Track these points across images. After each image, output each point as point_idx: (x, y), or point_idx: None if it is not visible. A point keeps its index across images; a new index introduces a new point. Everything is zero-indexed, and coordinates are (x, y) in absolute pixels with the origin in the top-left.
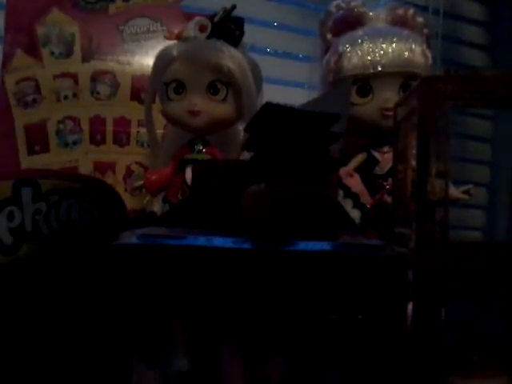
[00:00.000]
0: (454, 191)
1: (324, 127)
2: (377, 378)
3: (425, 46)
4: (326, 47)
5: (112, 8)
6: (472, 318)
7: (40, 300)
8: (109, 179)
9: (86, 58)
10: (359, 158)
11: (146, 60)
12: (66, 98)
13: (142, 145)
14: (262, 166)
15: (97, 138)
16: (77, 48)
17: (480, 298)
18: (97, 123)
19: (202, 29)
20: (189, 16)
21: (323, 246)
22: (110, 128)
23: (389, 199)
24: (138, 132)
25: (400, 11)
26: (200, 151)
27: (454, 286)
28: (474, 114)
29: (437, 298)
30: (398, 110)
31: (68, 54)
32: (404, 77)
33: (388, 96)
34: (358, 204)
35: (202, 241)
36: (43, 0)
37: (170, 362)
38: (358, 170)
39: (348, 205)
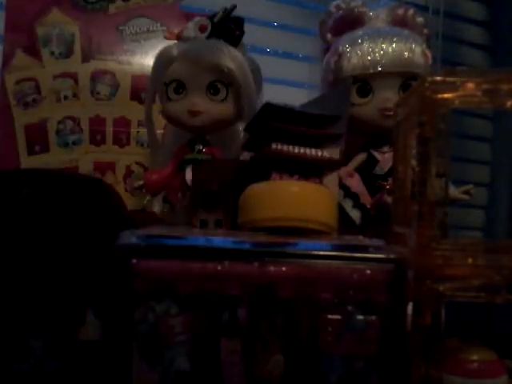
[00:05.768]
0: (454, 191)
1: (324, 127)
2: (377, 378)
3: (425, 46)
4: (326, 47)
5: (112, 8)
6: (472, 318)
7: None
8: (109, 179)
9: (86, 58)
10: (359, 158)
11: (146, 60)
12: (65, 98)
13: (142, 145)
14: (261, 165)
15: (97, 138)
16: (77, 48)
17: (480, 298)
18: (97, 123)
19: (202, 29)
20: (189, 16)
21: (323, 246)
22: (109, 128)
23: (389, 199)
24: (138, 132)
25: (400, 11)
26: (200, 151)
27: (454, 285)
28: (474, 114)
29: (436, 298)
30: (398, 110)
31: (68, 54)
32: (404, 77)
33: (388, 96)
34: (358, 204)
35: (201, 241)
36: (43, 0)
37: (170, 362)
38: (358, 170)
39: (348, 205)
